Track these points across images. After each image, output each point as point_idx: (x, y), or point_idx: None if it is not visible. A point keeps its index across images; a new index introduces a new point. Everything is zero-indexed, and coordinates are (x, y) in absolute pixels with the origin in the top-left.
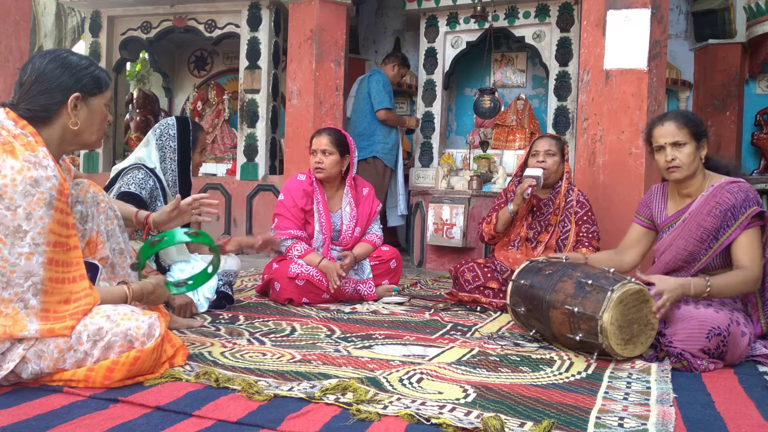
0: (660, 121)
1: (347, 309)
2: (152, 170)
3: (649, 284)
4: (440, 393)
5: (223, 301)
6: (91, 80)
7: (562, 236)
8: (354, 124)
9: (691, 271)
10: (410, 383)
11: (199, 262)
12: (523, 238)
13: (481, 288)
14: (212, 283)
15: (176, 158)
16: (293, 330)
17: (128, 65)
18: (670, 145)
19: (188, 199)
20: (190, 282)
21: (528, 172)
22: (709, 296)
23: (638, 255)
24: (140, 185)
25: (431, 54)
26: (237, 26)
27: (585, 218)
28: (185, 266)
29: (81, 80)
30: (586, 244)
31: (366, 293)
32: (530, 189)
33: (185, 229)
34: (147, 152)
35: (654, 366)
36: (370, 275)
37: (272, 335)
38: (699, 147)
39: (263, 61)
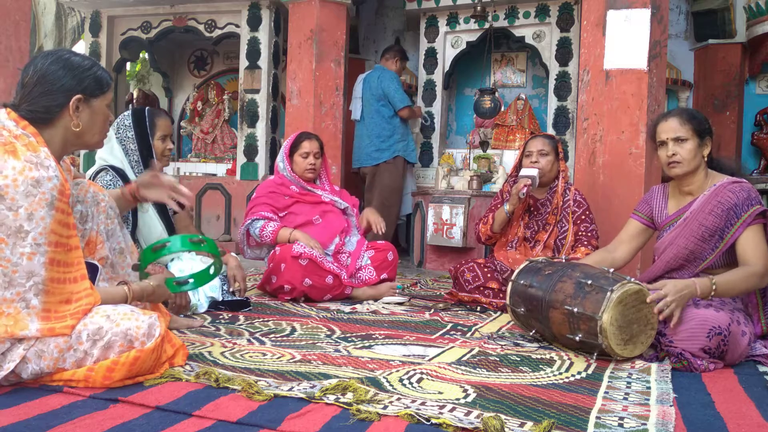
0: (664, 117)
1: (347, 309)
2: (120, 170)
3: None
4: (440, 393)
5: (237, 306)
6: (93, 81)
7: (561, 236)
8: (369, 127)
9: (694, 271)
10: (410, 383)
11: (195, 261)
12: (521, 239)
13: (481, 288)
14: (214, 283)
15: (137, 148)
16: (293, 330)
17: (128, 65)
18: (672, 140)
19: (168, 179)
20: (191, 281)
21: (523, 172)
22: (715, 296)
23: (631, 251)
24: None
25: (431, 54)
26: (237, 26)
27: (583, 217)
28: (184, 266)
29: (83, 82)
30: (585, 243)
31: (367, 278)
32: (525, 189)
33: (189, 236)
34: (109, 149)
35: (654, 366)
36: (369, 261)
37: (272, 335)
38: (702, 144)
39: (263, 61)
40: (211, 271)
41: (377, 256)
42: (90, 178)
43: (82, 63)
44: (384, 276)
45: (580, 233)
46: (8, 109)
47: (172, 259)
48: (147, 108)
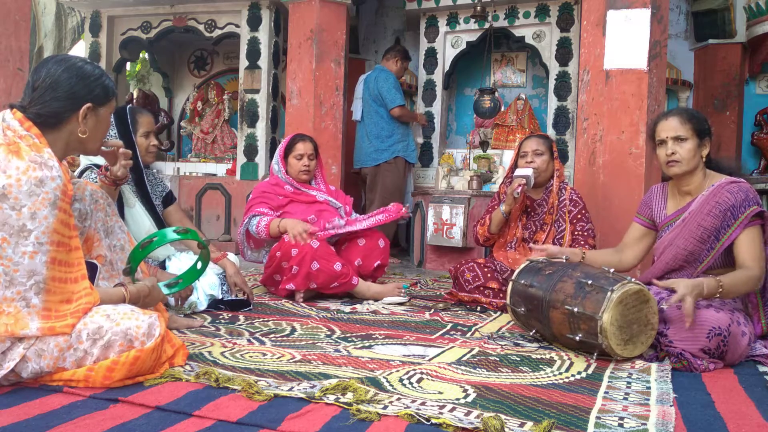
0: (665, 116)
1: (347, 309)
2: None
3: (668, 289)
4: (440, 393)
5: (238, 305)
6: (101, 90)
7: (558, 235)
8: (368, 127)
9: (693, 272)
10: (410, 383)
11: (194, 260)
12: (519, 239)
13: (481, 288)
14: (213, 281)
15: None
16: (293, 330)
17: (128, 65)
18: (672, 139)
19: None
20: (180, 280)
21: (518, 172)
22: (720, 297)
23: (638, 255)
24: None
25: (431, 54)
26: (237, 26)
27: (579, 216)
28: (182, 264)
29: (93, 90)
30: (582, 242)
31: (359, 227)
32: (520, 188)
33: (174, 228)
34: None
35: (654, 366)
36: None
37: (272, 335)
38: (701, 144)
39: (263, 61)
40: (198, 266)
41: (368, 243)
42: (77, 177)
43: (93, 72)
44: (378, 263)
45: (576, 233)
46: (14, 109)
47: (170, 257)
48: (129, 106)
